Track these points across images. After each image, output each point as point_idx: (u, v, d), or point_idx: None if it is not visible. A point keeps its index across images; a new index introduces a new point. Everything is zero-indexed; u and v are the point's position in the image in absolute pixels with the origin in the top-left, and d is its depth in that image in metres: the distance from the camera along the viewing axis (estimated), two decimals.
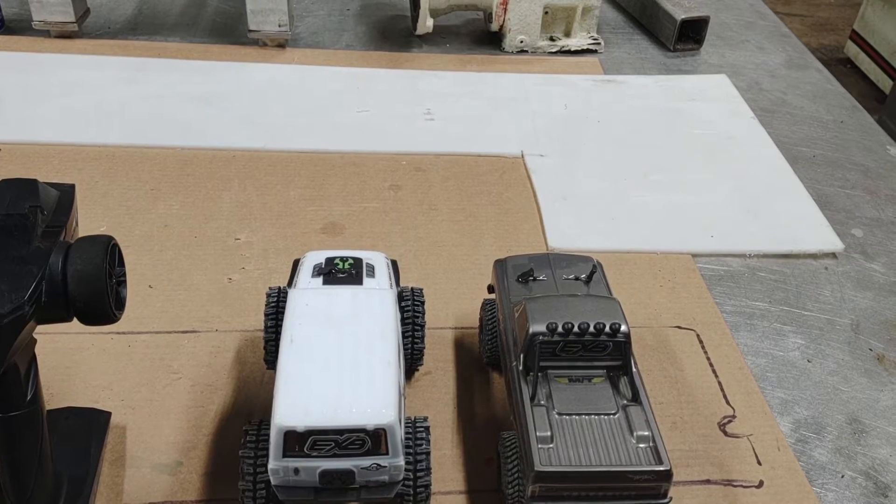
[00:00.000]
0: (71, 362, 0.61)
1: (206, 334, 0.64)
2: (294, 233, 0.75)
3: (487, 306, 0.62)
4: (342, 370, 0.46)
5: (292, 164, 0.84)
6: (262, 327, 0.58)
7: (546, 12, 1.07)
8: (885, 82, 2.64)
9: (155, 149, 0.85)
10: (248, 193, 0.80)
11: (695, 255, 0.76)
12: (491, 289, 0.62)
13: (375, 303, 0.52)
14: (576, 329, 0.51)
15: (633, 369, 0.52)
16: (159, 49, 1.03)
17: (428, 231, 0.77)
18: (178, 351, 0.63)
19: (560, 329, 0.51)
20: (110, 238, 0.46)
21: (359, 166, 0.85)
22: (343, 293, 0.52)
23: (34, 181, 0.48)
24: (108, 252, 0.45)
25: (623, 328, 0.51)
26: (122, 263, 0.47)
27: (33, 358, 0.47)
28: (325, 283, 0.54)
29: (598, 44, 1.11)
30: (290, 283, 0.56)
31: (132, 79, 0.96)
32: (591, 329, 0.51)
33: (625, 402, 0.51)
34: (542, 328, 0.51)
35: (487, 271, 0.63)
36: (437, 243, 0.75)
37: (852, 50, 2.89)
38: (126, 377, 0.60)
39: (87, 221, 0.73)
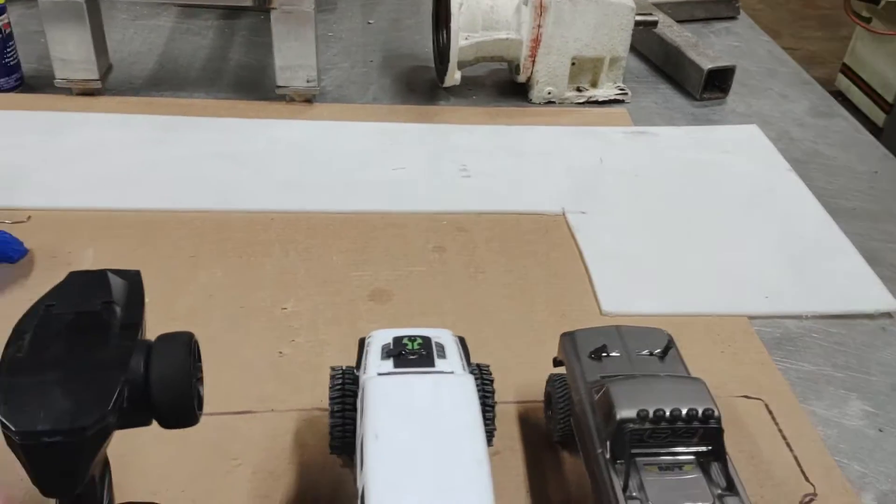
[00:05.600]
0: (125, 449, 0.57)
1: (262, 414, 0.62)
2: (341, 301, 0.73)
3: (556, 381, 0.60)
4: (437, 472, 0.44)
5: (332, 226, 0.82)
6: (320, 406, 0.56)
7: (573, 63, 1.07)
8: (877, 115, 2.66)
9: (190, 213, 0.82)
10: (290, 259, 0.78)
11: (751, 318, 0.75)
12: (558, 362, 0.60)
13: (457, 391, 0.50)
14: (667, 416, 0.49)
15: (726, 455, 0.50)
16: (185, 106, 1.01)
17: (477, 297, 0.75)
18: (235, 434, 0.60)
19: (651, 416, 0.49)
20: (191, 335, 0.44)
21: (400, 227, 0.83)
22: (422, 381, 0.50)
23: (104, 272, 0.46)
24: (191, 352, 0.42)
25: (716, 414, 0.49)
26: (199, 359, 0.45)
27: (106, 461, 0.44)
28: (396, 365, 0.52)
29: (625, 94, 1.10)
30: (357, 366, 0.54)
31: (159, 139, 0.94)
32: (683, 415, 0.49)
33: (719, 491, 0.49)
34: (632, 414, 0.49)
35: (543, 338, 0.61)
36: (488, 309, 0.74)
37: (844, 83, 2.92)
38: (183, 465, 0.57)
39: None
